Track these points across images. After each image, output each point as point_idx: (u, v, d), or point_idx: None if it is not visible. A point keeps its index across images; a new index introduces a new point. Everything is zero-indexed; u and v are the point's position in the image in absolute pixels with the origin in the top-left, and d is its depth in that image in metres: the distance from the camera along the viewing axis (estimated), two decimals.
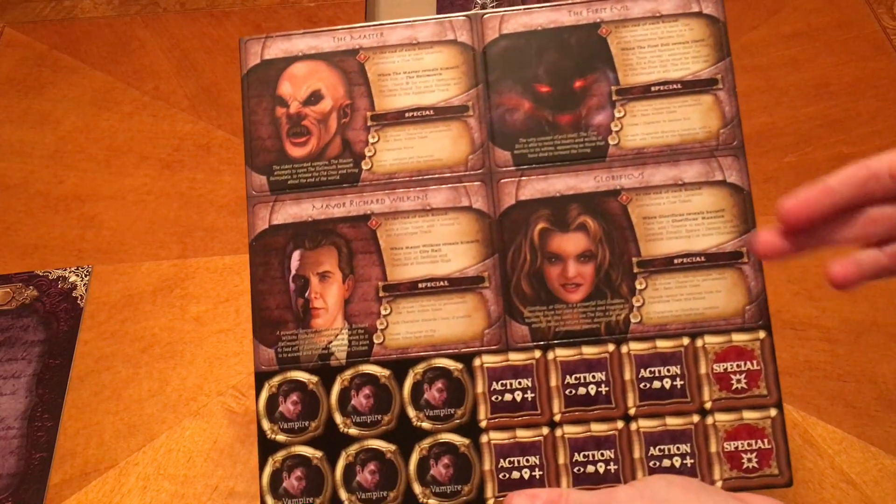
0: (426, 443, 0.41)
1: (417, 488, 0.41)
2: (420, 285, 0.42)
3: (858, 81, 0.87)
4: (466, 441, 0.41)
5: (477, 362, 0.42)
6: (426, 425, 0.41)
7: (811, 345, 0.69)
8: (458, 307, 0.42)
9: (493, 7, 0.89)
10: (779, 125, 0.84)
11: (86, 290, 0.75)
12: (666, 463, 0.40)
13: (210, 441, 0.66)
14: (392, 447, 0.41)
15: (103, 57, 0.95)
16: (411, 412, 0.41)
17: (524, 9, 0.45)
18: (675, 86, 0.43)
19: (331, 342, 0.42)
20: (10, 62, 0.95)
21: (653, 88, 0.43)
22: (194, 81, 0.92)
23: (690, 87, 0.43)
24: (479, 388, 0.41)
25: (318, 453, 0.42)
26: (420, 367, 0.41)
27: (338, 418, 0.41)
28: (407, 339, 0.42)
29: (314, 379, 0.41)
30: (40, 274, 0.76)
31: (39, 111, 0.90)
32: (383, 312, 0.42)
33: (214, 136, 0.87)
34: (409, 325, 0.42)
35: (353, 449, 0.41)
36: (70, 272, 0.76)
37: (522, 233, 0.43)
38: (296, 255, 0.43)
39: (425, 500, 0.41)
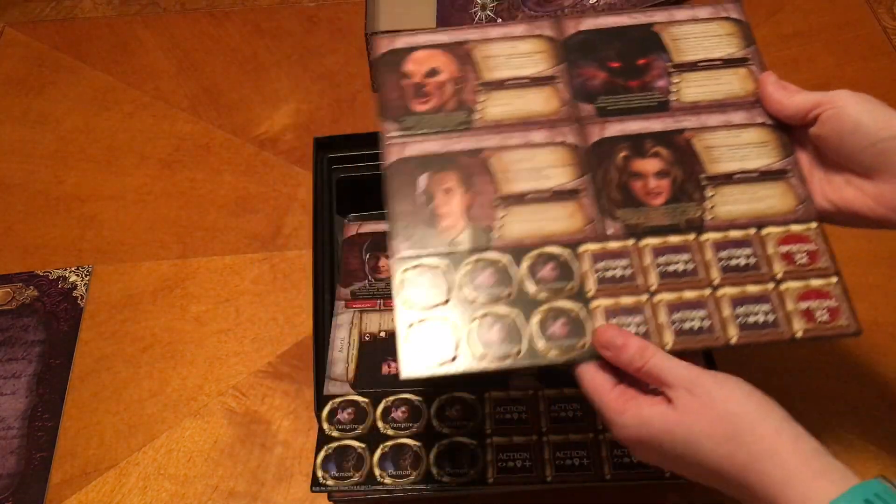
0: (543, 308, 0.47)
1: (541, 343, 0.46)
2: (527, 196, 0.51)
3: (858, 81, 0.87)
4: (578, 306, 0.47)
5: (581, 249, 0.49)
6: (542, 296, 0.48)
7: (811, 345, 0.69)
8: (561, 211, 0.51)
9: (492, 7, 0.89)
10: None
11: (86, 290, 0.75)
12: (751, 320, 0.47)
13: (210, 441, 0.66)
14: (515, 310, 0.47)
15: (103, 57, 0.95)
16: (530, 287, 0.48)
17: (594, 14, 0.59)
18: (716, 62, 0.56)
19: (455, 237, 0.50)
20: (10, 62, 0.95)
21: (699, 64, 0.56)
22: (194, 81, 0.93)
23: (728, 63, 0.55)
24: (585, 268, 0.49)
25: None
26: (533, 253, 0.49)
27: (467, 292, 0.48)
28: (520, 234, 0.50)
29: (444, 262, 0.49)
30: (40, 274, 0.76)
31: (39, 111, 0.90)
32: (499, 216, 0.50)
33: (214, 136, 0.87)
34: (521, 224, 0.50)
35: (479, 313, 0.47)
36: (70, 272, 0.76)
37: (608, 159, 0.52)
38: (423, 177, 0.52)
39: (547, 352, 0.46)
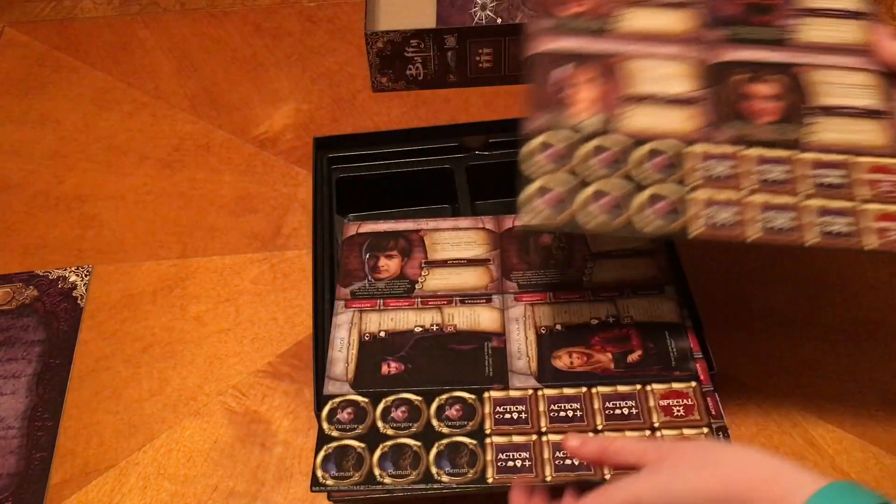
0: (649, 191, 0.54)
1: (641, 218, 0.52)
2: (652, 98, 0.57)
3: None
4: (680, 191, 0.53)
5: (691, 148, 0.55)
6: (649, 180, 0.54)
7: (811, 344, 0.69)
8: (679, 114, 0.57)
9: (492, 6, 0.89)
10: None
11: (86, 290, 0.75)
12: (829, 229, 0.52)
13: (210, 441, 0.66)
14: (625, 188, 0.53)
15: (103, 57, 0.95)
16: (642, 170, 0.54)
17: None
18: (839, 12, 0.62)
19: (584, 121, 0.56)
20: (10, 62, 0.95)
21: (822, 11, 0.62)
22: (194, 81, 0.93)
23: (849, 14, 0.62)
24: (693, 163, 0.55)
25: None
26: (648, 145, 0.55)
27: (587, 166, 0.55)
28: (641, 126, 0.56)
29: (570, 140, 0.56)
30: (40, 274, 0.76)
31: (39, 111, 0.90)
32: (624, 109, 0.57)
33: (214, 136, 0.87)
34: (642, 119, 0.56)
35: (593, 186, 0.54)
36: (70, 272, 0.76)
37: (728, 78, 0.58)
38: (563, 68, 0.59)
39: (645, 226, 0.52)
